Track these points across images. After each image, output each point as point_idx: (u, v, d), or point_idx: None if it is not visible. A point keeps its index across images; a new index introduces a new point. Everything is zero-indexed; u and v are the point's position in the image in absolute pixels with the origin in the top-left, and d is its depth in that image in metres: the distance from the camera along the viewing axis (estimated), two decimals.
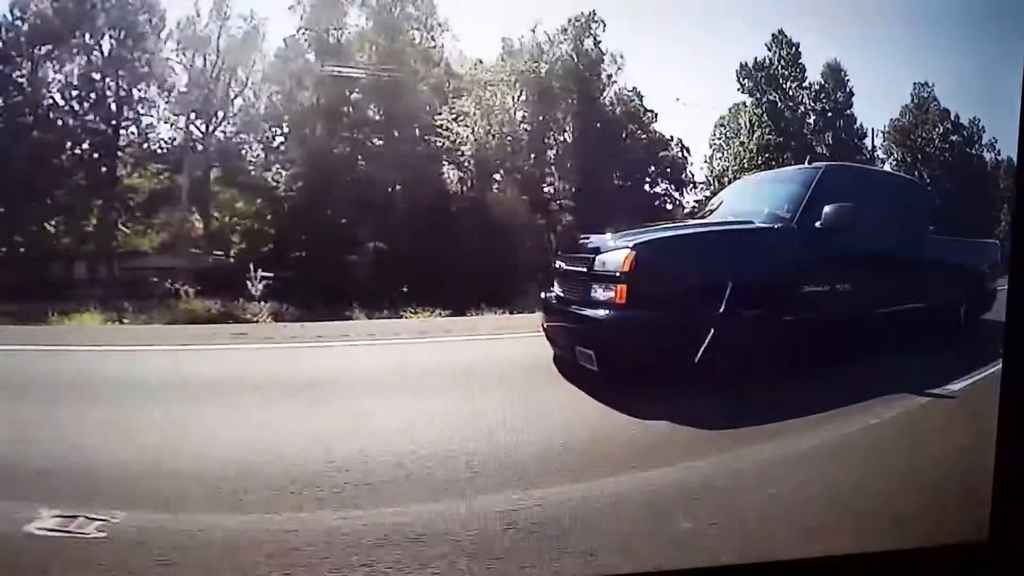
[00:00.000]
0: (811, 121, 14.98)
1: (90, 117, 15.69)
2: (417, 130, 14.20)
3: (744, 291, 3.13)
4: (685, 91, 23.61)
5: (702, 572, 1.46)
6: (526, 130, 14.23)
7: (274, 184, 14.19)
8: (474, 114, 14.12)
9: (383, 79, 13.99)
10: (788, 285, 3.42)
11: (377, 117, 14.39)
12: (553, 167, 14.52)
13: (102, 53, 15.81)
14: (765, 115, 14.89)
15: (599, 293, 3.14)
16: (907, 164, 15.64)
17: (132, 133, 15.68)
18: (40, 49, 15.81)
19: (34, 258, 15.45)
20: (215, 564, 1.56)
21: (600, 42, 14.79)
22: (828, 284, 3.56)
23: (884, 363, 3.49)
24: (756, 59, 14.99)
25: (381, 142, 14.23)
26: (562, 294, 3.67)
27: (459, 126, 14.16)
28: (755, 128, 14.84)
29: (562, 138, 14.44)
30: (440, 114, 14.26)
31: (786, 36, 15.29)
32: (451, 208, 13.65)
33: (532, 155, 14.26)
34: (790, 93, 14.85)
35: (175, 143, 15.55)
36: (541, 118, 14.24)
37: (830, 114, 14.84)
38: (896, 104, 15.77)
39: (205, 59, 15.31)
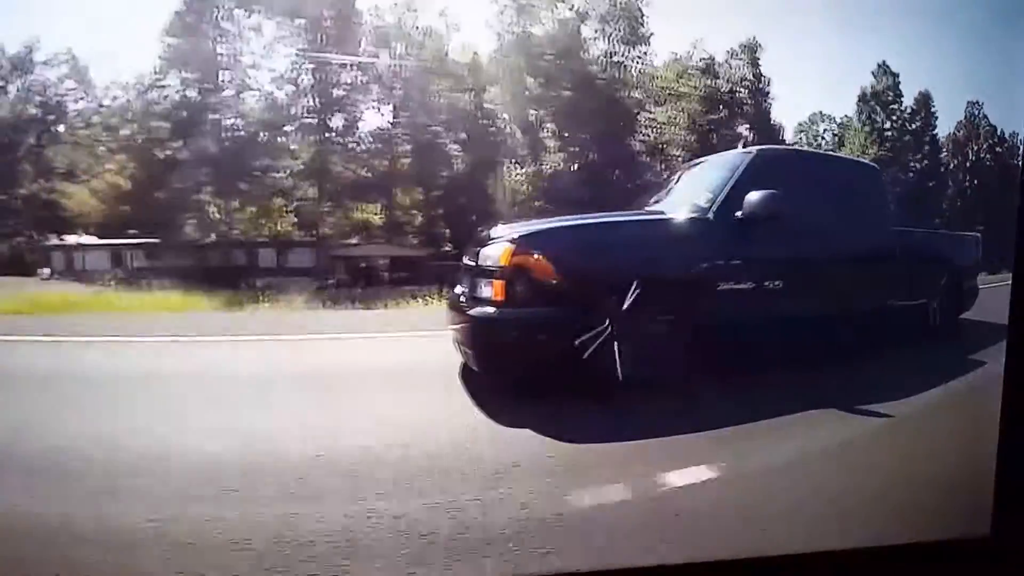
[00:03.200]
0: (908, 139, 19.17)
1: (302, 103, 15.78)
2: (624, 132, 16.39)
3: (643, 289, 2.93)
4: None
5: (698, 566, 1.40)
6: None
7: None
8: (671, 121, 16.63)
9: (599, 81, 15.97)
10: (697, 283, 3.16)
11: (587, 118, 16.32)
12: None
13: (316, 40, 15.85)
14: (876, 134, 18.87)
15: (482, 289, 2.98)
16: (960, 172, 20.47)
17: (339, 121, 16.05)
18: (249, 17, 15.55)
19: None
20: None
21: (761, 64, 17.82)
22: (752, 281, 3.27)
23: (816, 372, 3.23)
24: (871, 87, 18.88)
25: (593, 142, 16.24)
26: (459, 290, 3.49)
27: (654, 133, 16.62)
28: (869, 147, 18.79)
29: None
30: (640, 120, 16.60)
31: (888, 67, 19.29)
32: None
33: None
34: (895, 117, 18.89)
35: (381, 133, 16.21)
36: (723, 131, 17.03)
37: (922, 134, 19.11)
38: (952, 120, 20.64)
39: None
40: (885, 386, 2.87)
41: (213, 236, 16.06)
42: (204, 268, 14.80)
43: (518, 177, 15.78)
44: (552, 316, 2.79)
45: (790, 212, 3.29)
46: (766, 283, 3.28)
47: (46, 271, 17.01)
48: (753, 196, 3.22)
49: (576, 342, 2.77)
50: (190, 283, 12.99)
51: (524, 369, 2.88)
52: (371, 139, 16.88)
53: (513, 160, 15.98)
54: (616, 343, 2.86)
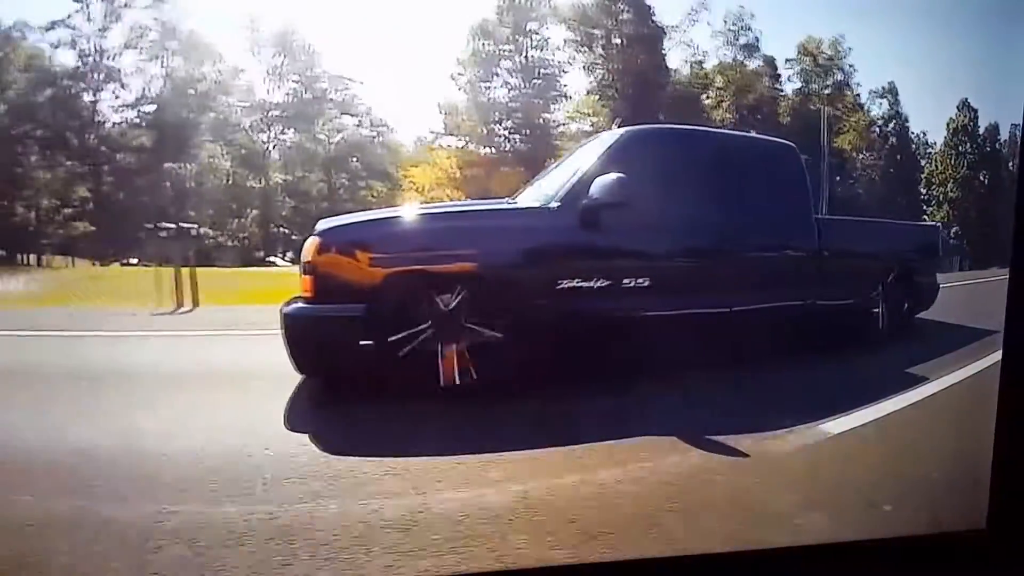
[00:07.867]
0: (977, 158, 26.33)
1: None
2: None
3: (465, 287, 2.65)
4: None
5: (685, 559, 1.40)
6: None
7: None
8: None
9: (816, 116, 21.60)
10: (531, 280, 2.79)
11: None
12: None
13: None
14: (961, 158, 25.98)
15: (300, 285, 2.73)
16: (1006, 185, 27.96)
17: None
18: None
19: None
20: None
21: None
22: (604, 279, 2.85)
23: (681, 381, 2.83)
24: (960, 122, 25.75)
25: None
26: None
27: None
28: (957, 168, 25.83)
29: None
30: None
31: (968, 102, 26.20)
32: None
33: None
34: (978, 143, 26.01)
35: None
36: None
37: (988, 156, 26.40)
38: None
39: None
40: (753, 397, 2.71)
41: None
42: None
43: None
44: (358, 313, 2.56)
45: (653, 199, 2.99)
46: (626, 281, 2.93)
47: None
48: (597, 182, 2.88)
49: (388, 343, 2.57)
50: None
51: (333, 369, 2.75)
52: None
53: None
54: (436, 345, 2.64)
